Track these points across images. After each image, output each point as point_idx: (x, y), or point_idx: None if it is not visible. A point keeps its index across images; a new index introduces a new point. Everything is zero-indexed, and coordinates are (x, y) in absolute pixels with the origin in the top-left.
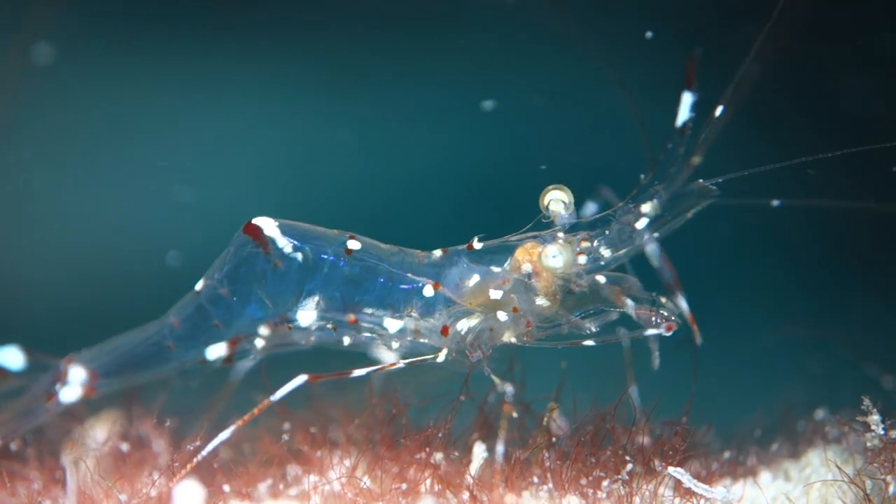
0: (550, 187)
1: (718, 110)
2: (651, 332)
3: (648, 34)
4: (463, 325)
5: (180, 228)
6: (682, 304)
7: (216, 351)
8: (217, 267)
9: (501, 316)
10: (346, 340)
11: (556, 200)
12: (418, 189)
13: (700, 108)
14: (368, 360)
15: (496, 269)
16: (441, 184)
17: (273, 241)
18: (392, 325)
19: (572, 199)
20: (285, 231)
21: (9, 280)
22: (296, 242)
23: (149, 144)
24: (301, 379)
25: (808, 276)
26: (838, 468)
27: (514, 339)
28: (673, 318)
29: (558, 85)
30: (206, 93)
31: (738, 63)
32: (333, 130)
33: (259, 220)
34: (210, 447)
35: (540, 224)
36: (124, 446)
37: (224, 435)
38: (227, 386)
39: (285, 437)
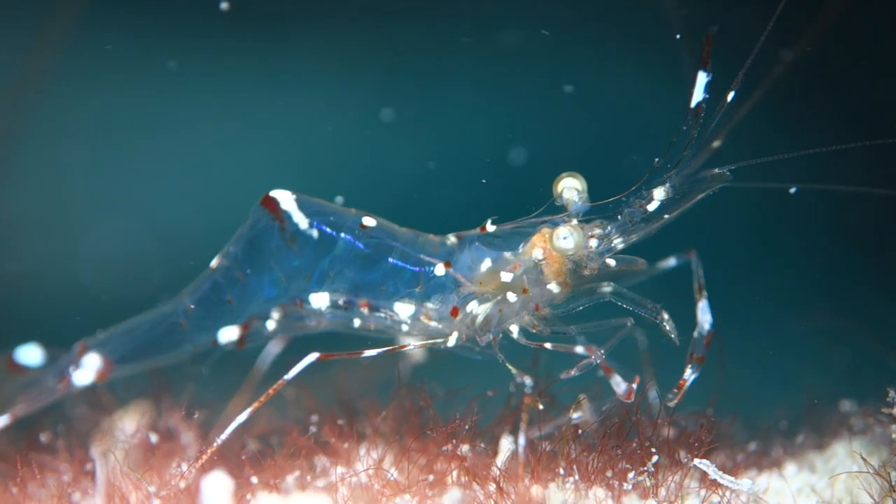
0: (564, 175)
1: (730, 95)
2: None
3: (678, 36)
4: (473, 307)
5: (193, 223)
6: (689, 375)
7: (228, 334)
8: (233, 241)
9: (511, 297)
10: (357, 322)
11: (570, 188)
12: (430, 184)
13: (715, 90)
14: (380, 341)
15: (508, 253)
16: (452, 178)
17: (289, 216)
18: (403, 309)
19: (586, 187)
20: (302, 205)
21: (30, 274)
22: (311, 218)
23: (160, 140)
24: (312, 357)
25: (832, 266)
26: (864, 460)
27: (518, 332)
28: (672, 334)
29: (572, 78)
30: (217, 90)
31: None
32: (346, 124)
33: (276, 193)
34: (229, 430)
35: (552, 208)
36: (153, 438)
37: (242, 417)
38: (253, 374)
39: (313, 429)
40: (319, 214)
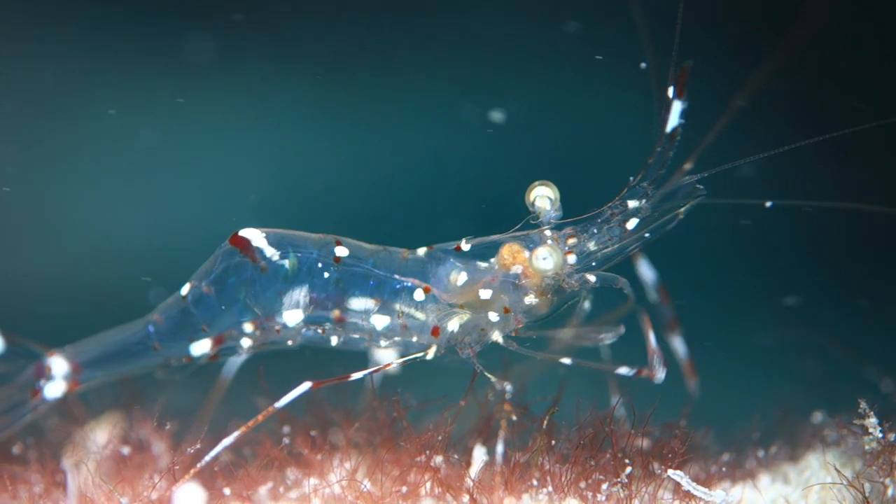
0: (536, 183)
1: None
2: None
3: (643, 65)
4: (454, 325)
5: (175, 233)
6: (680, 346)
7: (201, 348)
8: (204, 273)
9: (493, 316)
10: (334, 340)
11: (542, 197)
12: (407, 196)
13: (690, 115)
14: (366, 362)
15: (486, 272)
16: (428, 190)
17: (261, 251)
18: (379, 321)
19: (558, 196)
20: (272, 241)
21: (7, 282)
22: (282, 250)
23: (144, 150)
24: (306, 386)
25: (805, 277)
26: (837, 471)
27: (501, 340)
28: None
29: (548, 91)
30: (201, 100)
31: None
32: (325, 137)
33: (246, 232)
34: (213, 453)
35: (528, 225)
36: (125, 449)
37: (227, 441)
38: (219, 384)
39: (286, 440)
40: (291, 246)
